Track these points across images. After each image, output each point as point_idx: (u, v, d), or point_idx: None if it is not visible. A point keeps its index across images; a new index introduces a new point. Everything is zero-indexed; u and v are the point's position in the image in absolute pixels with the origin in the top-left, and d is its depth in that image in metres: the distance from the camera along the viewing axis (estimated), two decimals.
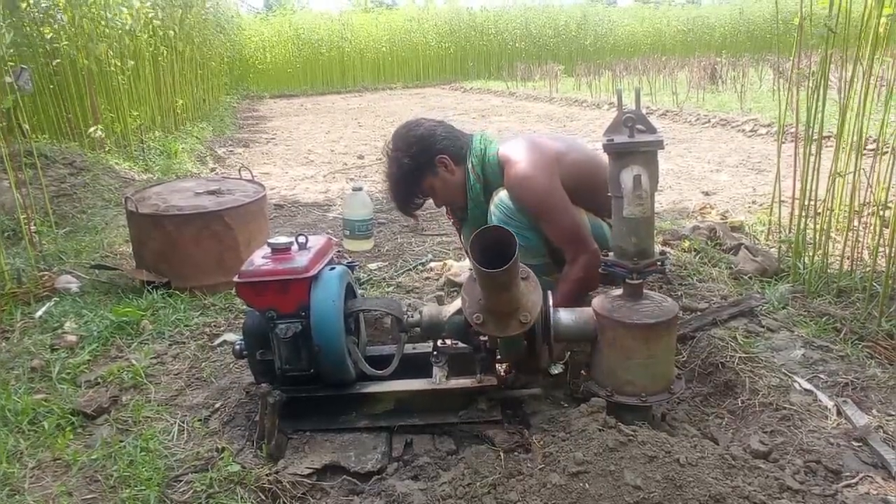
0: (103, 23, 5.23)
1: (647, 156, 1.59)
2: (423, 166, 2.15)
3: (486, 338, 1.77)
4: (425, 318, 1.82)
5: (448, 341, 1.88)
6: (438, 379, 1.82)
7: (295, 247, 1.86)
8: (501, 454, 1.61)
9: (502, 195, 2.08)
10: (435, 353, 1.86)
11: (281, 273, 1.75)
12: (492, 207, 2.10)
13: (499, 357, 1.87)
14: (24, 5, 4.19)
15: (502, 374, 1.96)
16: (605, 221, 2.17)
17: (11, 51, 4.03)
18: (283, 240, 1.86)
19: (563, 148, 2.16)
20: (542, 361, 1.86)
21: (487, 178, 2.16)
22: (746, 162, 5.48)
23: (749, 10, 19.50)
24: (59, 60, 4.80)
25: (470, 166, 2.15)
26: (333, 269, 1.84)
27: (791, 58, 2.84)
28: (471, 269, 2.86)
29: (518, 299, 1.65)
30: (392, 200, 2.30)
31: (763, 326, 2.24)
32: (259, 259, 1.82)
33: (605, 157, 1.68)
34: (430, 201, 2.35)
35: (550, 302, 1.74)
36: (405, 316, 1.83)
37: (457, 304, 1.79)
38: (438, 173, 2.17)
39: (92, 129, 4.97)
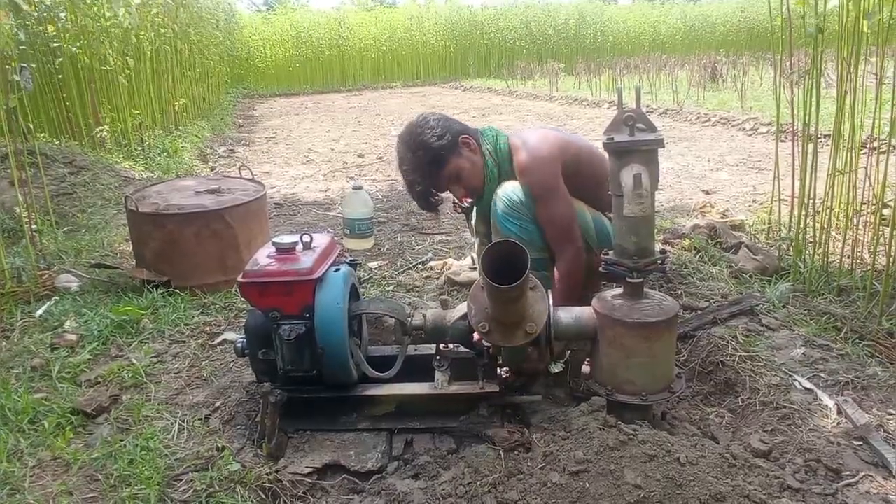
0: (106, 21, 5.23)
1: (648, 154, 1.59)
2: (449, 147, 2.13)
3: (489, 343, 1.77)
4: (429, 322, 1.82)
5: (450, 345, 1.88)
6: (440, 384, 1.82)
7: (300, 246, 1.85)
8: (501, 453, 1.61)
9: (506, 188, 2.10)
10: (437, 357, 1.85)
11: (286, 274, 1.75)
12: (495, 199, 2.11)
13: (501, 363, 1.87)
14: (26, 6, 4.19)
15: (502, 375, 1.96)
16: (607, 217, 2.18)
17: (23, 47, 4.04)
18: (288, 239, 1.85)
19: (569, 138, 2.22)
20: (542, 362, 1.86)
21: (500, 165, 2.19)
22: (747, 160, 5.48)
23: (750, 9, 19.45)
24: (60, 59, 4.80)
25: (486, 151, 2.18)
26: (338, 270, 1.84)
27: (781, 56, 2.84)
28: (473, 267, 2.88)
29: (525, 311, 1.66)
30: (415, 187, 2.19)
31: (763, 325, 2.24)
32: (264, 258, 1.81)
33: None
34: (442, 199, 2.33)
35: (550, 302, 1.74)
36: (409, 319, 1.83)
37: (461, 308, 1.79)
38: (463, 154, 2.16)
39: (97, 130, 4.97)
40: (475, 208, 2.34)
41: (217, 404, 1.93)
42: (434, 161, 2.14)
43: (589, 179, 2.11)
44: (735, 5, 20.59)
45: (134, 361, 2.17)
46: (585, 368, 1.95)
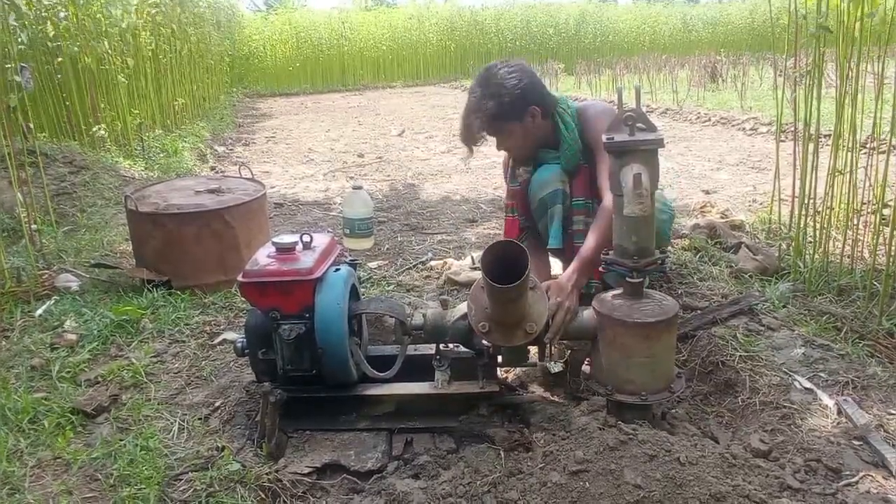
0: (105, 21, 5.23)
1: (648, 154, 1.59)
2: (515, 111, 2.18)
3: (489, 343, 1.77)
4: (429, 321, 1.82)
5: (450, 345, 1.88)
6: (440, 383, 1.82)
7: (300, 246, 1.85)
8: (501, 453, 1.61)
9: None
10: (437, 356, 1.86)
11: (286, 274, 1.74)
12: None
13: (501, 362, 1.87)
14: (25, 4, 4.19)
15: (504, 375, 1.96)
16: None
17: (22, 47, 4.04)
18: (287, 239, 1.85)
19: None
20: (541, 356, 1.87)
21: (574, 126, 2.26)
22: (747, 160, 5.48)
23: (757, 10, 19.42)
24: (60, 59, 4.80)
25: (562, 109, 2.24)
26: (338, 270, 1.84)
27: (785, 56, 2.84)
28: (474, 267, 2.88)
29: (525, 310, 1.66)
30: (467, 123, 2.24)
31: (763, 325, 2.24)
32: (264, 258, 1.81)
33: None
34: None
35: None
36: (409, 319, 1.83)
37: (461, 308, 1.80)
38: (524, 121, 2.20)
39: (95, 129, 4.97)
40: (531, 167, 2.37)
41: (217, 404, 1.93)
42: (495, 115, 2.17)
43: None
44: (741, 6, 20.55)
45: (134, 361, 2.17)
46: (585, 368, 1.95)
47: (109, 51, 5.23)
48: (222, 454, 1.66)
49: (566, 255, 2.27)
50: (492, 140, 2.31)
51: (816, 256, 2.57)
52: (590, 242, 1.99)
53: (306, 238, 1.87)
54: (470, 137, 2.25)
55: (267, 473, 1.58)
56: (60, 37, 4.75)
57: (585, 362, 1.96)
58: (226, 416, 1.88)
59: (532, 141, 2.27)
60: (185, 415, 1.88)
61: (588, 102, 2.41)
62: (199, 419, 1.86)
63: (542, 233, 2.33)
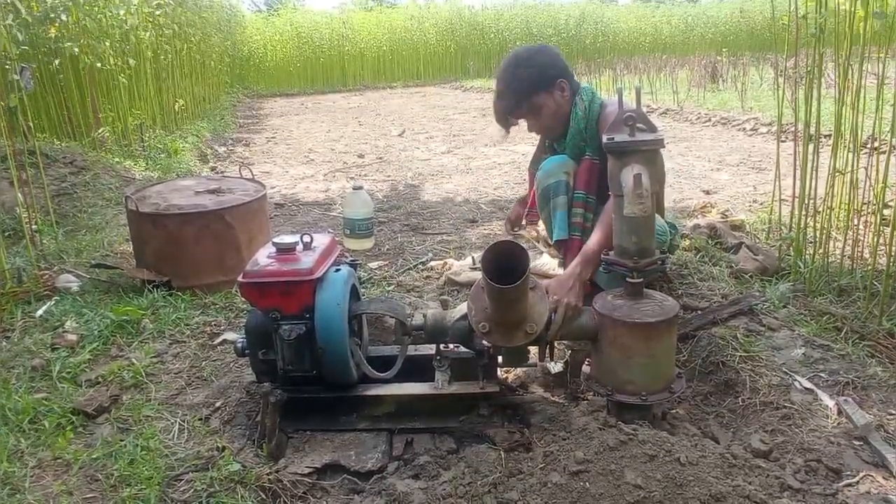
0: (106, 21, 5.23)
1: (648, 154, 1.59)
2: (542, 81, 2.20)
3: (489, 343, 1.77)
4: (429, 322, 1.82)
5: (451, 345, 1.88)
6: (441, 383, 1.82)
7: (300, 246, 1.85)
8: (502, 453, 1.61)
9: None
10: (437, 357, 1.86)
11: (286, 274, 1.75)
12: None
13: (501, 363, 1.87)
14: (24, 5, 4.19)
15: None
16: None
17: (24, 48, 4.05)
18: (288, 239, 1.85)
19: None
20: (541, 356, 1.87)
21: (588, 119, 2.25)
22: (747, 160, 5.48)
23: (749, 9, 19.44)
24: (60, 60, 4.80)
25: (579, 100, 2.24)
26: (339, 270, 1.84)
27: (784, 56, 2.84)
28: (474, 267, 2.88)
29: (525, 311, 1.66)
30: (499, 99, 2.29)
31: (764, 325, 2.24)
32: (264, 259, 1.81)
33: None
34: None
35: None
36: (409, 319, 1.83)
37: (462, 309, 1.80)
38: (553, 93, 2.22)
39: (99, 131, 4.98)
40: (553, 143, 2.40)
41: (217, 404, 1.93)
42: (519, 86, 2.20)
43: None
44: (734, 6, 20.56)
45: (134, 361, 2.17)
46: (585, 368, 1.95)
47: (110, 51, 5.23)
48: (223, 454, 1.66)
49: (563, 248, 2.27)
50: (506, 134, 2.33)
51: (817, 257, 2.57)
52: (596, 236, 1.99)
53: (306, 238, 1.87)
54: (503, 118, 2.30)
55: (267, 474, 1.58)
56: (61, 37, 4.75)
57: (585, 362, 1.96)
58: (226, 416, 1.88)
59: (563, 116, 2.26)
60: (186, 415, 1.88)
61: (613, 99, 2.42)
62: (200, 419, 1.86)
63: (545, 222, 2.34)
